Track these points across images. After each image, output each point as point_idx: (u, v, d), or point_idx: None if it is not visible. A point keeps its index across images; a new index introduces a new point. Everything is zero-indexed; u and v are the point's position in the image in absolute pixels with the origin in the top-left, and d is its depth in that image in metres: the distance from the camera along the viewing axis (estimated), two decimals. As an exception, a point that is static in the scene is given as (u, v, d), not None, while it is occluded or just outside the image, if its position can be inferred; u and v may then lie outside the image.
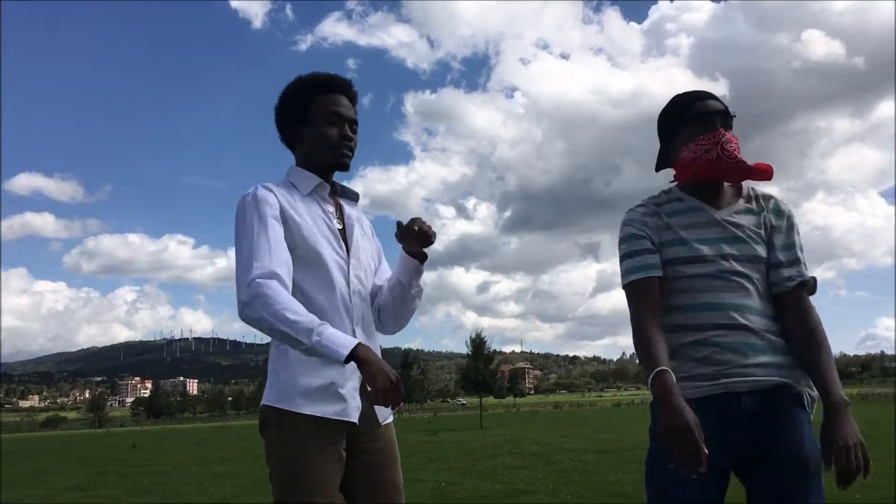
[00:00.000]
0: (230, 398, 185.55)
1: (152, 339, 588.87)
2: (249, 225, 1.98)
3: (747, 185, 2.08)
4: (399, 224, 2.17)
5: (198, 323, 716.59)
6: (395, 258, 2.26)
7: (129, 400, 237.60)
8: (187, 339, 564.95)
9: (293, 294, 1.95)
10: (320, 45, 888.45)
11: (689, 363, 1.91)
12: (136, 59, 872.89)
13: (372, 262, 2.26)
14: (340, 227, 2.17)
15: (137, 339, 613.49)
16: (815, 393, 1.93)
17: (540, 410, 70.52)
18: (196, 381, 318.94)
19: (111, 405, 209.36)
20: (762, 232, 2.01)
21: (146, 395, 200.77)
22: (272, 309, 1.85)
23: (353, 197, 2.27)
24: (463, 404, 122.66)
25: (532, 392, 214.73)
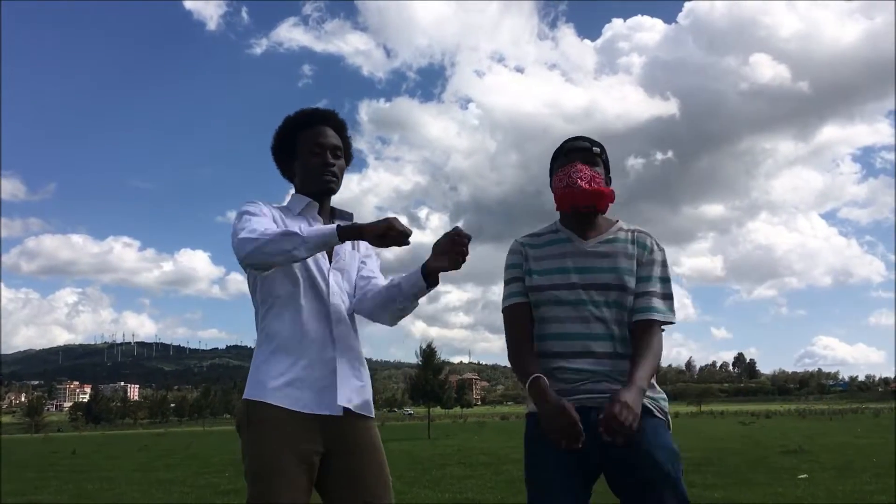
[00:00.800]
0: (173, 404, 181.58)
1: (93, 342, 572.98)
2: (239, 217, 2.21)
3: (625, 222, 2.26)
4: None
5: (141, 327, 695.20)
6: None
7: (67, 405, 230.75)
8: (129, 343, 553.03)
9: (282, 304, 2.21)
10: (275, 49, 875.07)
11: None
12: (86, 59, 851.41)
13: (354, 272, 2.42)
14: None
15: (77, 343, 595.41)
16: (667, 406, 2.14)
17: (487, 421, 70.62)
18: (137, 386, 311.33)
19: (48, 410, 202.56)
20: (626, 262, 2.17)
21: (85, 400, 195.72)
22: (257, 239, 2.03)
23: (348, 217, 2.45)
24: (410, 414, 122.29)
25: (479, 403, 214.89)
